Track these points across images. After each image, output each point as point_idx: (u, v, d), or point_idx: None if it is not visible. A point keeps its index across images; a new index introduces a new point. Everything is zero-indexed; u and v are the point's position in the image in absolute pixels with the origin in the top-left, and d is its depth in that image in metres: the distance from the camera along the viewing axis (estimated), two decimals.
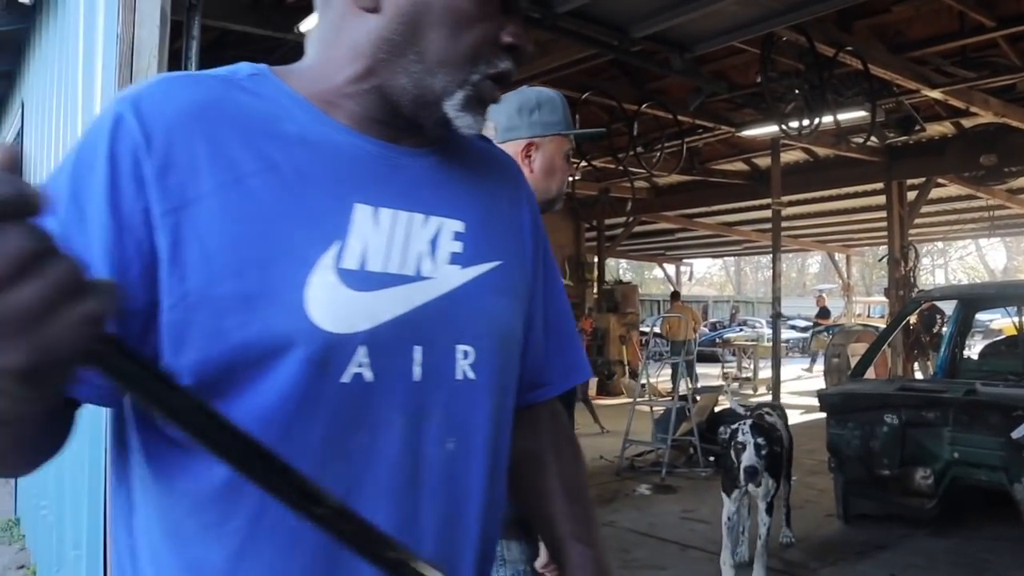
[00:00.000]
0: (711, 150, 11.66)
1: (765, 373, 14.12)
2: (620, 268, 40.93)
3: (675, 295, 16.03)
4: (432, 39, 0.82)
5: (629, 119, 8.33)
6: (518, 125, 2.07)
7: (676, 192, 14.12)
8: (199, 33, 3.76)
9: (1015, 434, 4.42)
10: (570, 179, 8.70)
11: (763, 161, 11.62)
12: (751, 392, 14.27)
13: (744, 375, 15.66)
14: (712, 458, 7.66)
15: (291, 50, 7.38)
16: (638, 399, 7.95)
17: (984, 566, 4.74)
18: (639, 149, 8.96)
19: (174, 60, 3.34)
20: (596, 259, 15.74)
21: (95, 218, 0.71)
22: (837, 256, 21.97)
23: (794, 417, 11.09)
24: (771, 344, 10.09)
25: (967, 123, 9.84)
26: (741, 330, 22.84)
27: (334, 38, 0.85)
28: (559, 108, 2.10)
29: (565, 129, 2.12)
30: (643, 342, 13.48)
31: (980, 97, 8.09)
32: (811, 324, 23.49)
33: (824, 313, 19.59)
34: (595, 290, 15.34)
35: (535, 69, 6.19)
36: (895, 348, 10.84)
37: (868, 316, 24.51)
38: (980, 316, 10.41)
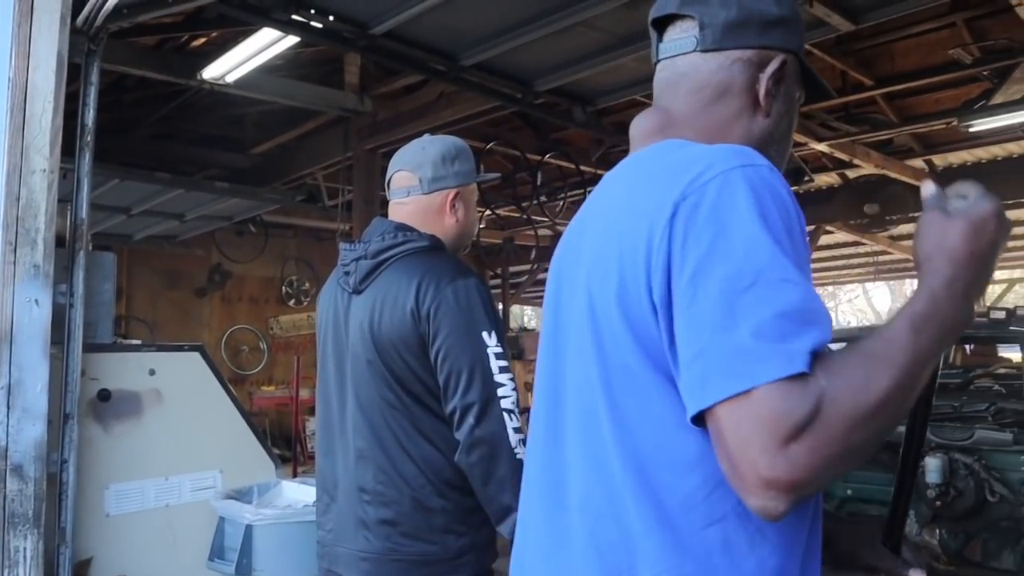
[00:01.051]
0: None
1: None
2: (525, 315, 41.16)
3: None
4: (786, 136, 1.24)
5: (533, 169, 8.47)
6: (444, 175, 2.14)
7: None
8: (98, 79, 3.69)
9: None
10: (477, 227, 8.63)
11: None
12: None
13: None
14: None
15: (193, 95, 7.27)
16: None
17: None
18: (543, 198, 9.11)
19: (70, 104, 3.26)
20: (501, 306, 15.80)
21: None
22: None
23: None
24: None
25: (851, 174, 10.37)
26: None
27: (724, 129, 1.16)
28: (471, 156, 2.20)
29: (478, 177, 2.21)
30: None
31: (862, 150, 8.55)
32: None
33: None
34: None
35: (440, 120, 6.26)
36: None
37: None
38: None
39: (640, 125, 1.24)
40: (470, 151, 2.21)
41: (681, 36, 1.19)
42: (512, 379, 1.89)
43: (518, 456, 1.82)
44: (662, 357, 0.94)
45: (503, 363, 1.91)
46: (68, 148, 3.31)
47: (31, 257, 3.25)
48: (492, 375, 1.87)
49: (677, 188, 0.96)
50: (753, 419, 0.83)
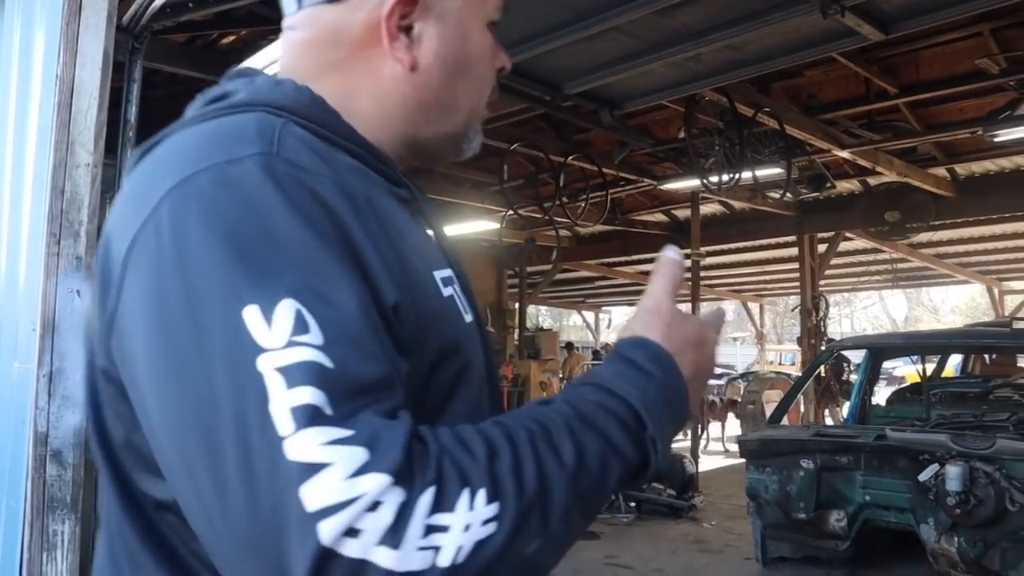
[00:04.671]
0: (632, 201, 11.97)
1: None
2: (540, 315, 41.21)
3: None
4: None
5: (556, 170, 8.53)
6: None
7: (598, 241, 14.40)
8: (140, 76, 3.77)
9: (922, 477, 4.64)
10: (496, 227, 8.69)
11: (682, 213, 11.98)
12: None
13: None
14: (633, 504, 7.78)
15: None
16: None
17: None
18: (564, 199, 9.16)
19: (113, 101, 3.34)
20: (517, 306, 15.87)
21: None
22: (751, 305, 22.65)
23: (715, 462, 11.35)
24: None
25: (873, 181, 10.37)
26: None
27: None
28: None
29: None
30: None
31: (885, 158, 8.56)
32: (726, 371, 24.08)
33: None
34: (516, 337, 15.44)
35: None
36: (807, 395, 11.22)
37: (780, 364, 25.26)
38: (886, 364, 10.87)
39: None
40: None
41: None
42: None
43: None
44: None
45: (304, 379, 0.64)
46: (110, 144, 3.39)
47: (74, 249, 3.32)
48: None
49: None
50: None
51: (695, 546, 6.58)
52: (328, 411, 0.59)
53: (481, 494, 0.60)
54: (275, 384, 0.60)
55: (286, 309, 0.62)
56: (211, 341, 0.62)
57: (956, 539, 4.60)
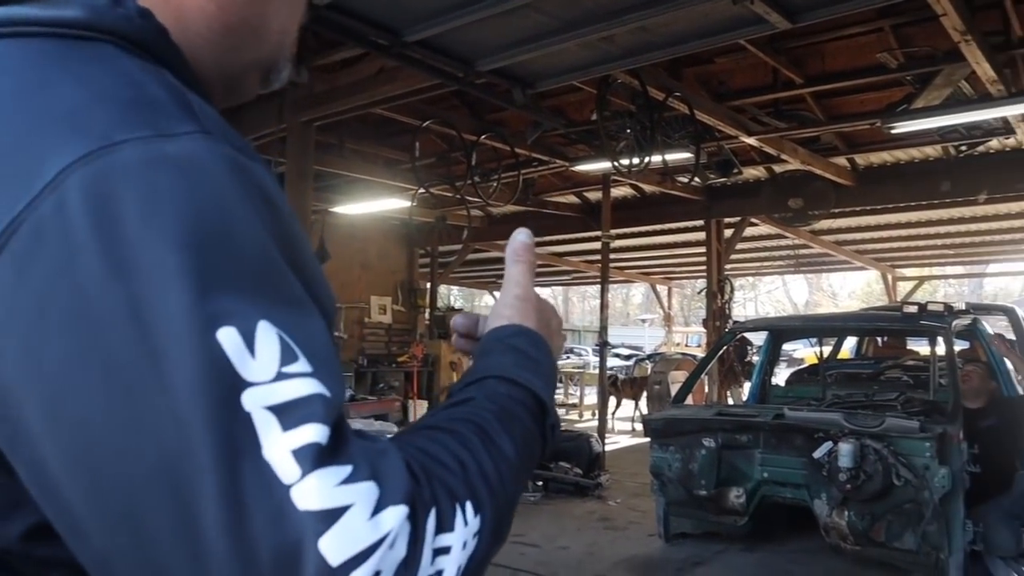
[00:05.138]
0: (545, 182, 12.02)
1: (591, 400, 14.61)
2: (451, 295, 41.17)
3: None
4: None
5: (468, 149, 8.47)
6: None
7: (510, 222, 14.41)
8: None
9: (816, 454, 4.82)
10: (407, 205, 8.60)
11: (594, 195, 12.09)
12: (576, 418, 14.71)
13: (570, 402, 16.12)
14: (540, 483, 7.86)
15: None
16: None
17: None
18: (476, 179, 9.13)
19: None
20: (429, 285, 15.79)
21: None
22: (659, 288, 23.10)
23: (620, 442, 11.55)
24: (597, 372, 10.45)
25: (778, 169, 10.66)
26: (568, 357, 23.48)
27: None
28: None
29: None
30: None
31: (790, 146, 8.80)
32: (634, 352, 24.55)
33: None
34: (427, 316, 15.38)
35: (378, 95, 6.20)
36: (711, 376, 11.52)
37: (687, 345, 25.88)
38: (785, 346, 11.25)
39: None
40: None
41: None
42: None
43: None
44: None
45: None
46: None
47: None
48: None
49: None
50: None
51: (600, 523, 6.69)
52: (330, 447, 0.51)
53: (468, 507, 0.57)
54: (268, 425, 0.50)
55: (267, 332, 0.51)
56: (171, 371, 0.49)
57: (846, 513, 4.79)
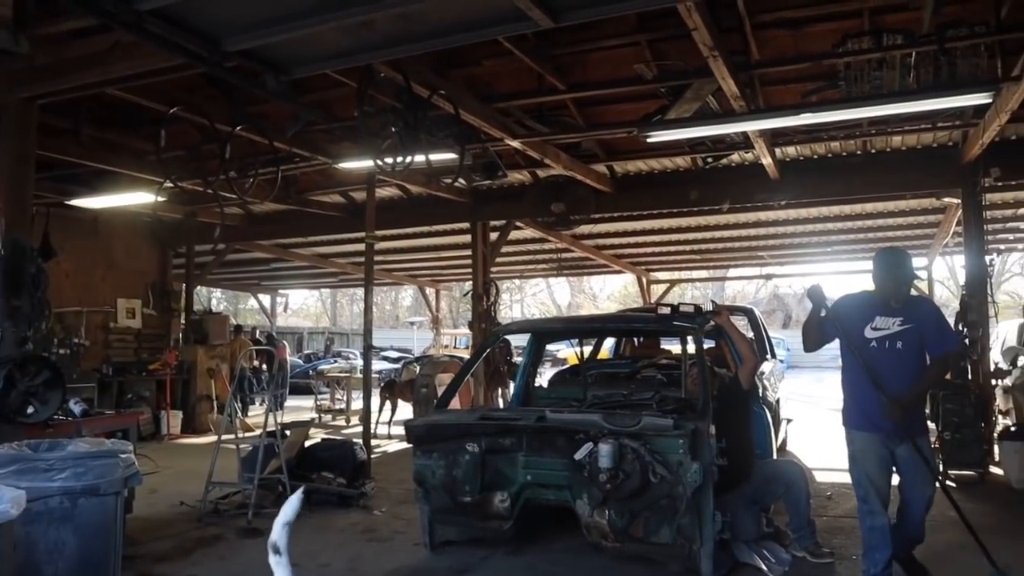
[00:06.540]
0: (308, 180, 11.56)
1: (358, 404, 14.22)
2: (213, 297, 39.03)
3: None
4: None
5: (222, 140, 7.86)
6: None
7: (272, 221, 13.78)
8: None
9: (577, 456, 4.82)
10: (154, 200, 7.89)
11: (360, 195, 11.76)
12: (344, 424, 14.28)
13: (337, 407, 15.65)
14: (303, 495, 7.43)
15: None
16: (223, 436, 7.48)
17: None
18: (232, 173, 8.52)
19: None
20: (184, 287, 14.75)
21: None
22: (428, 290, 23.07)
23: (390, 447, 11.28)
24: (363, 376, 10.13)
25: (542, 173, 10.88)
26: (335, 361, 22.88)
27: None
28: None
29: None
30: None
31: (553, 151, 8.98)
32: (403, 355, 24.37)
33: None
34: (182, 320, 14.37)
35: (113, 73, 5.54)
36: (478, 378, 11.54)
37: (455, 347, 26.07)
38: (549, 347, 11.49)
39: None
40: None
41: None
42: None
43: None
44: None
45: None
46: None
47: None
48: None
49: None
50: None
51: (364, 535, 6.40)
52: None
53: None
54: None
55: None
56: None
57: (607, 512, 4.83)
